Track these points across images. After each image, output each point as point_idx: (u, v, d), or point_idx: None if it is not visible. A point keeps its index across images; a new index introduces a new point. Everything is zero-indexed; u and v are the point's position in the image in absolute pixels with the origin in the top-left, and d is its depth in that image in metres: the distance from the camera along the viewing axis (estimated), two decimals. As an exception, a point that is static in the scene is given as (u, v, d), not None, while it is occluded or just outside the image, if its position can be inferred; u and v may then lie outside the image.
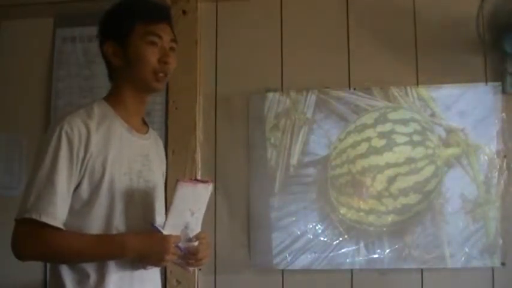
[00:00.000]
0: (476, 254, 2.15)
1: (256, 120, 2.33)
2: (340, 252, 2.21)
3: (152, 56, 1.38)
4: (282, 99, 2.32)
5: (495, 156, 2.18)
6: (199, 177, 1.78)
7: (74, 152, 1.28)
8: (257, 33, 2.38)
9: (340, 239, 2.22)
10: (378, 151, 2.22)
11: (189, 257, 1.40)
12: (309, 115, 2.29)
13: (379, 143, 2.22)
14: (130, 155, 1.39)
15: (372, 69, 2.28)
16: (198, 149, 2.34)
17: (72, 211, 1.29)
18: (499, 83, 2.20)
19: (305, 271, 2.23)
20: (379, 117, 2.25)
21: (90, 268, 1.30)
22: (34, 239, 1.25)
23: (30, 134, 2.41)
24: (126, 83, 1.42)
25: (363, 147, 2.23)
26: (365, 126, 2.25)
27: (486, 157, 2.18)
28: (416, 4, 2.30)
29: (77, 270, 1.30)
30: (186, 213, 1.37)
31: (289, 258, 2.24)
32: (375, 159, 2.22)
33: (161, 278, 2.24)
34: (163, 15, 1.44)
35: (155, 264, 1.36)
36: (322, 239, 2.23)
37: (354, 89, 2.29)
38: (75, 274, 1.29)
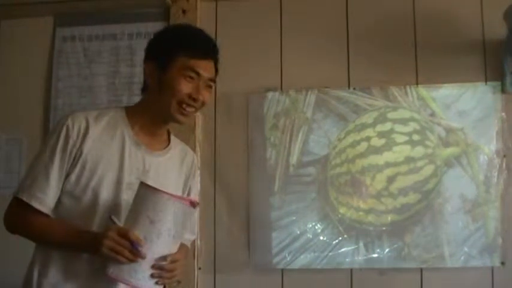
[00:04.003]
0: (475, 253, 2.15)
1: (255, 120, 2.33)
2: (339, 251, 2.22)
3: (184, 89, 1.40)
4: (281, 99, 2.32)
5: (495, 155, 2.18)
6: (190, 198, 1.63)
7: (68, 145, 1.36)
8: (257, 32, 2.39)
9: (340, 238, 2.22)
10: (377, 150, 2.22)
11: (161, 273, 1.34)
12: (308, 115, 2.29)
13: (379, 142, 2.23)
14: (127, 166, 1.41)
15: (372, 68, 2.28)
16: (198, 149, 2.34)
17: (58, 200, 1.38)
18: (499, 83, 2.20)
19: (304, 270, 2.24)
20: (378, 117, 2.25)
21: (56, 255, 1.37)
22: (22, 218, 1.37)
23: (30, 134, 2.42)
24: (151, 104, 1.45)
25: (363, 147, 2.23)
26: (364, 126, 2.25)
27: (486, 157, 2.18)
28: (416, 4, 2.30)
29: (43, 256, 1.38)
30: (144, 219, 1.29)
31: (288, 258, 2.24)
32: (374, 159, 2.22)
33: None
34: (207, 53, 1.44)
35: (94, 248, 1.28)
36: (321, 238, 2.23)
37: (354, 88, 2.29)
38: (42, 259, 1.38)
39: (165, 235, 1.31)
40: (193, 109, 1.43)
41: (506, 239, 2.14)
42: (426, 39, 2.27)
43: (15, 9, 2.49)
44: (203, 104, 1.44)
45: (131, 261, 1.28)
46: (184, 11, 2.41)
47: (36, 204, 1.34)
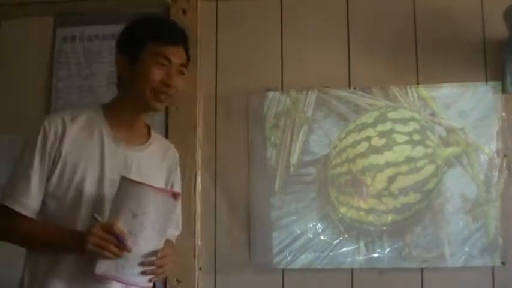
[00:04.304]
0: (476, 253, 2.15)
1: (256, 120, 2.33)
2: (340, 251, 2.22)
3: (156, 75, 1.42)
4: (282, 99, 2.32)
5: (495, 155, 2.18)
6: (172, 189, 1.59)
7: (47, 147, 1.38)
8: (257, 32, 2.38)
9: (340, 238, 2.22)
10: (377, 150, 2.22)
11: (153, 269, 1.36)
12: (309, 114, 2.29)
13: (379, 142, 2.23)
14: (108, 163, 1.42)
15: (372, 68, 2.28)
16: (198, 149, 2.34)
17: (42, 202, 1.39)
18: (499, 83, 2.20)
19: (305, 270, 2.23)
20: (379, 117, 2.25)
21: (42, 259, 1.38)
22: (7, 224, 1.38)
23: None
24: (127, 96, 1.47)
25: (363, 147, 2.23)
26: (365, 126, 2.25)
27: (486, 156, 2.18)
28: (416, 4, 2.30)
29: (32, 260, 1.39)
30: (126, 212, 1.30)
31: (289, 258, 2.24)
32: (374, 159, 2.22)
33: (161, 278, 2.27)
34: (176, 39, 1.46)
35: (79, 247, 1.29)
36: (322, 238, 2.23)
37: (354, 88, 2.29)
38: (31, 263, 1.40)
39: (149, 229, 1.32)
40: (167, 96, 1.44)
41: (506, 239, 2.14)
42: (426, 39, 2.27)
43: (15, 9, 2.49)
44: (177, 90, 1.45)
45: (117, 255, 1.28)
46: (184, 11, 2.41)
47: (19, 209, 1.36)
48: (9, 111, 2.47)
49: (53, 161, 1.38)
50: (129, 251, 1.29)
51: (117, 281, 1.33)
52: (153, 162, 1.52)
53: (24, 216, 1.37)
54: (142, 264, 1.33)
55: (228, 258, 2.28)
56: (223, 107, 2.37)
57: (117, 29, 2.45)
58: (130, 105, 1.47)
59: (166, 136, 2.34)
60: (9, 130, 2.45)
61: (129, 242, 1.29)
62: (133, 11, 2.47)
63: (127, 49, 1.45)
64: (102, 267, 1.30)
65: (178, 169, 1.65)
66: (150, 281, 1.36)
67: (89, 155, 1.40)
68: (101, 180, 1.40)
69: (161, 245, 1.36)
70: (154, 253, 1.34)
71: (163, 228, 1.36)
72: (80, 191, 1.38)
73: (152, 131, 1.57)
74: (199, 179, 2.33)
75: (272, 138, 2.31)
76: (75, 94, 2.46)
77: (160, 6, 2.43)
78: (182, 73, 1.47)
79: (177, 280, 2.26)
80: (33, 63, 2.50)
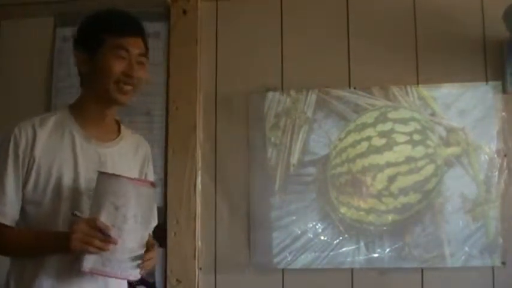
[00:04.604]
0: (476, 253, 2.15)
1: (256, 120, 2.33)
2: (340, 251, 2.22)
3: (117, 67, 1.42)
4: (282, 99, 2.32)
5: (495, 155, 2.18)
6: (147, 179, 1.60)
7: (19, 155, 1.38)
8: (257, 32, 2.38)
9: (341, 238, 2.22)
10: (378, 150, 2.22)
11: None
12: (309, 114, 2.29)
13: (379, 142, 2.22)
14: (82, 162, 1.43)
15: (372, 68, 2.28)
16: (198, 149, 2.34)
17: (21, 210, 1.40)
18: (499, 82, 2.20)
19: (305, 270, 2.23)
20: (379, 117, 2.25)
21: (28, 261, 1.39)
22: None
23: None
24: (91, 92, 1.48)
25: (363, 147, 2.23)
26: (365, 126, 2.25)
27: (486, 156, 2.18)
28: (416, 4, 2.30)
29: (18, 263, 1.40)
30: (108, 206, 1.31)
31: (289, 258, 2.24)
32: (375, 159, 2.22)
33: (161, 278, 2.27)
34: (133, 30, 1.47)
35: (66, 246, 1.29)
36: (322, 238, 2.23)
37: (354, 88, 2.29)
38: (16, 266, 1.40)
39: (132, 220, 1.33)
40: (130, 87, 1.45)
41: (506, 239, 2.14)
42: (427, 39, 2.27)
43: (15, 9, 2.49)
44: (140, 80, 1.46)
45: (103, 249, 1.29)
46: (184, 11, 2.41)
47: (4, 221, 1.37)
48: (9, 111, 2.47)
49: (27, 168, 1.38)
50: (114, 243, 1.30)
51: (105, 275, 1.33)
52: (125, 157, 1.53)
53: (4, 226, 1.37)
54: (129, 256, 1.34)
55: (228, 258, 2.28)
56: (223, 107, 2.37)
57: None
58: (96, 101, 1.47)
59: (167, 136, 2.35)
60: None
61: (113, 235, 1.30)
62: (133, 10, 2.47)
63: (85, 45, 1.46)
64: (89, 263, 1.30)
65: (151, 161, 1.66)
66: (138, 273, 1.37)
67: (61, 156, 1.41)
68: (76, 179, 1.41)
69: (146, 236, 1.38)
70: (141, 245, 1.35)
71: (147, 219, 1.38)
72: (57, 193, 1.39)
73: (122, 126, 1.58)
74: (199, 179, 2.33)
75: (272, 138, 2.30)
76: (75, 94, 2.43)
77: (160, 6, 2.43)
78: (142, 63, 1.48)
79: (177, 280, 2.26)
80: (33, 63, 2.50)
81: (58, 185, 1.39)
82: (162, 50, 2.42)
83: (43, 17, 2.52)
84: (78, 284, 1.37)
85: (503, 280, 2.14)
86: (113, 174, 1.35)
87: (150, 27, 2.41)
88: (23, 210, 1.40)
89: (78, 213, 1.34)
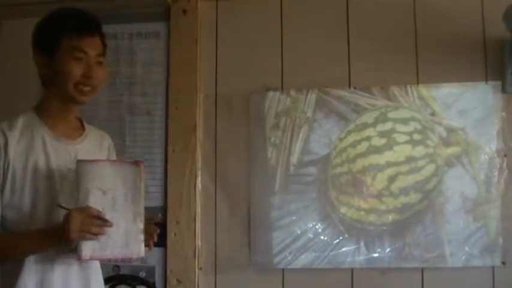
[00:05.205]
0: (476, 253, 2.15)
1: (256, 120, 2.33)
2: (340, 251, 2.22)
3: (76, 71, 1.43)
4: (282, 99, 2.32)
5: (495, 155, 2.18)
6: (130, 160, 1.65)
7: None
8: (257, 32, 2.38)
9: (341, 238, 2.22)
10: (378, 150, 2.22)
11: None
12: (309, 114, 2.29)
13: (380, 142, 2.22)
14: (55, 160, 1.44)
15: (372, 68, 2.28)
16: (199, 148, 2.34)
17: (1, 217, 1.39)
18: (499, 82, 2.20)
19: (305, 270, 2.23)
20: (379, 116, 2.25)
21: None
22: None
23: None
24: (53, 93, 1.48)
25: (363, 146, 2.23)
26: (365, 125, 2.25)
27: (486, 156, 2.18)
28: (416, 3, 2.30)
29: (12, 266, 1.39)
30: (95, 192, 1.35)
31: (289, 257, 2.24)
32: (375, 158, 2.22)
33: (161, 278, 2.27)
34: (90, 29, 1.46)
35: (65, 238, 1.31)
36: (322, 238, 2.23)
37: (354, 88, 2.29)
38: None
39: (121, 200, 1.38)
40: (89, 88, 1.46)
41: (507, 239, 2.14)
42: (427, 39, 2.27)
43: (15, 9, 2.49)
44: (99, 80, 1.47)
45: (101, 234, 1.33)
46: (184, 11, 2.41)
47: None
48: (9, 111, 2.46)
49: (3, 172, 1.39)
50: (110, 226, 1.34)
51: (105, 258, 1.39)
52: (92, 151, 1.55)
53: None
54: (125, 235, 1.38)
55: (228, 258, 2.28)
56: (223, 107, 2.37)
57: (117, 29, 2.49)
58: (59, 101, 1.48)
59: (167, 135, 2.35)
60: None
61: (106, 218, 1.34)
62: (133, 11, 2.48)
63: (42, 49, 1.46)
64: (88, 251, 1.33)
65: (114, 152, 1.69)
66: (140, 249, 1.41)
67: (34, 157, 1.42)
68: (51, 177, 1.42)
69: (141, 212, 1.41)
70: (136, 222, 1.39)
71: (136, 196, 1.41)
72: (34, 193, 1.40)
73: (84, 123, 1.60)
74: (199, 179, 2.33)
75: (272, 138, 2.30)
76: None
77: (160, 6, 2.43)
78: (101, 62, 1.48)
79: (177, 280, 2.26)
80: (33, 63, 2.49)
81: (34, 185, 1.40)
82: (162, 50, 2.42)
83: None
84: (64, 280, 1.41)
85: (503, 280, 2.14)
86: (93, 160, 1.39)
87: (150, 27, 2.44)
88: (2, 218, 1.39)
89: (63, 205, 1.36)
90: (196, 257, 2.27)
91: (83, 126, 1.59)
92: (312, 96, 2.30)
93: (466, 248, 2.15)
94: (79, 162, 1.37)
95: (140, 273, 2.29)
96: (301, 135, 2.28)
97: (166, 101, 2.38)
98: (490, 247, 2.14)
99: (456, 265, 2.15)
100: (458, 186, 2.18)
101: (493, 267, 2.15)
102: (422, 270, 2.18)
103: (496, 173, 2.17)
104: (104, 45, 1.51)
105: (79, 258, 1.34)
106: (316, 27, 2.35)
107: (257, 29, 2.39)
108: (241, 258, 2.27)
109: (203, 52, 2.40)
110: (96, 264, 1.52)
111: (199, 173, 2.33)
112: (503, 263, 2.13)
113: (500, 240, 2.14)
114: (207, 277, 2.29)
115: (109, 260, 2.04)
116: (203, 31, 2.41)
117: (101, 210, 1.34)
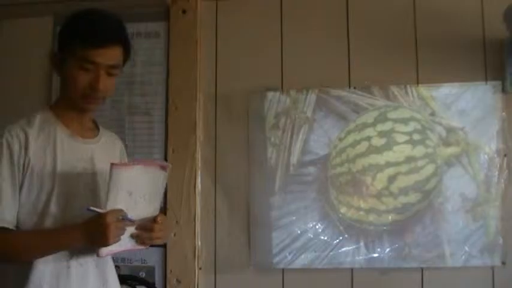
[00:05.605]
0: (476, 253, 2.15)
1: (256, 120, 2.33)
2: (340, 251, 2.22)
3: (82, 81, 1.41)
4: (282, 98, 2.32)
5: (495, 155, 2.18)
6: (159, 162, 1.79)
7: (14, 158, 1.38)
8: (257, 32, 2.38)
9: (340, 238, 2.22)
10: (378, 150, 2.22)
11: (143, 233, 1.43)
12: (309, 114, 2.29)
13: (379, 142, 2.22)
14: (71, 159, 1.45)
15: (372, 68, 2.28)
16: (198, 148, 2.34)
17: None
18: (499, 82, 2.20)
19: (305, 270, 2.23)
20: (379, 116, 2.25)
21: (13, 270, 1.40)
22: None
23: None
24: (67, 96, 1.48)
25: (363, 146, 2.23)
26: (365, 125, 2.25)
27: (486, 156, 2.18)
28: (416, 3, 2.30)
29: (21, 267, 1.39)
30: (123, 194, 1.38)
31: (289, 257, 2.24)
32: (375, 158, 2.22)
33: (161, 278, 2.27)
34: (104, 40, 1.40)
35: (103, 243, 1.34)
36: (322, 238, 2.23)
37: (354, 88, 2.29)
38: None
39: (141, 200, 1.43)
40: (97, 99, 1.45)
41: (506, 239, 2.14)
42: (426, 39, 2.27)
43: (15, 9, 2.49)
44: (106, 92, 1.45)
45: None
46: (184, 11, 2.41)
47: (3, 224, 1.35)
48: (9, 111, 2.46)
49: (23, 170, 1.39)
50: (134, 225, 1.41)
51: (119, 252, 1.45)
52: (107, 151, 1.57)
53: (5, 229, 1.36)
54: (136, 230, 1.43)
55: (228, 258, 2.28)
56: (223, 107, 2.37)
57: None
58: (72, 103, 1.48)
59: (166, 135, 2.35)
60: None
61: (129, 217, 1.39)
62: (133, 11, 2.47)
63: (59, 49, 1.46)
64: (107, 248, 1.37)
65: (125, 154, 1.72)
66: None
67: (52, 155, 1.42)
68: (67, 175, 1.43)
69: (156, 212, 1.47)
70: (151, 219, 1.44)
71: (154, 197, 1.46)
72: (50, 191, 1.40)
73: (98, 123, 1.62)
74: (199, 179, 2.33)
75: (272, 138, 2.30)
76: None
77: (161, 6, 2.43)
78: (111, 74, 1.44)
79: (177, 280, 2.26)
80: (33, 63, 2.50)
81: (51, 184, 1.40)
82: (162, 50, 2.42)
83: (43, 17, 2.52)
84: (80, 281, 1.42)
85: (503, 280, 2.14)
86: (127, 164, 1.47)
87: (150, 27, 2.44)
88: (19, 214, 1.40)
89: (94, 208, 1.36)
90: (196, 257, 2.27)
91: (97, 127, 1.60)
92: (312, 96, 2.30)
93: (466, 248, 2.15)
94: (114, 165, 1.36)
95: (140, 273, 2.29)
96: (301, 135, 2.28)
97: (166, 101, 2.38)
98: (490, 247, 2.14)
99: (456, 265, 2.15)
100: (458, 186, 2.18)
101: (492, 267, 2.15)
102: (422, 270, 2.18)
103: (496, 173, 2.17)
104: (125, 56, 1.48)
105: (99, 255, 1.37)
106: (316, 27, 2.35)
107: (257, 29, 2.39)
108: (241, 258, 2.27)
109: (203, 52, 2.40)
110: (111, 260, 1.54)
111: (199, 173, 2.33)
112: (503, 263, 2.13)
113: (500, 240, 2.14)
114: (206, 277, 2.29)
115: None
116: (203, 31, 2.41)
117: (125, 210, 1.37)
